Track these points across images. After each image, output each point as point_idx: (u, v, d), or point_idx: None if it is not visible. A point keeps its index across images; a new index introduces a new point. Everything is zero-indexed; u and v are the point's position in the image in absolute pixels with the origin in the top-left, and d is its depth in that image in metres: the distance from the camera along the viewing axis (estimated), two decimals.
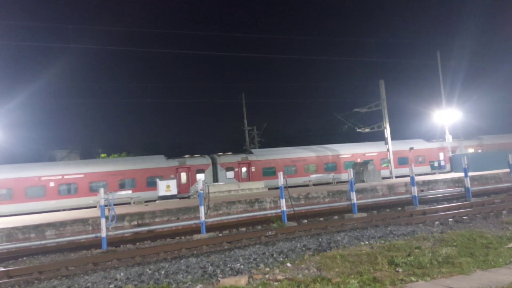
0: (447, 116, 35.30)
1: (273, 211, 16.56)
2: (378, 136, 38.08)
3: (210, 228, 14.52)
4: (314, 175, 33.80)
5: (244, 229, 15.43)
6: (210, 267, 8.66)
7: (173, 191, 26.32)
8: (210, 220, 14.75)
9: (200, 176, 32.44)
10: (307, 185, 31.57)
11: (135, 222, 16.24)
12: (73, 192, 29.28)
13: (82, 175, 29.68)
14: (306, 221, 16.08)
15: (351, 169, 16.24)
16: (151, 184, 30.19)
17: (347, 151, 38.50)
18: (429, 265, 7.21)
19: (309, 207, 17.57)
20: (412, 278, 6.50)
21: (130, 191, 28.39)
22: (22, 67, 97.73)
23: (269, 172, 35.25)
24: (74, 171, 29.80)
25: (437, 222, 12.70)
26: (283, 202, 14.72)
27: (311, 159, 36.84)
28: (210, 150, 38.25)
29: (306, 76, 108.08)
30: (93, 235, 13.10)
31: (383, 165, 37.90)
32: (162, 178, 28.63)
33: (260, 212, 17.27)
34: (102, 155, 53.69)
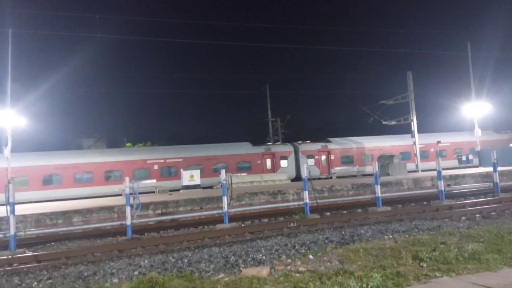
0: (476, 109, 34.29)
1: (296, 203, 16.51)
2: (407, 129, 37.23)
3: (232, 218, 14.60)
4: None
5: (266, 220, 15.46)
6: (232, 257, 8.72)
7: (197, 181, 26.53)
8: (233, 210, 14.84)
9: (284, 163, 34.29)
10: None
11: (159, 211, 16.48)
12: (173, 175, 31.39)
13: (181, 159, 31.79)
14: (329, 213, 15.99)
15: (376, 162, 16.03)
16: (241, 169, 32.78)
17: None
18: (455, 261, 7.06)
19: (332, 199, 17.46)
20: (437, 274, 6.37)
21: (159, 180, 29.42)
22: (51, 57, 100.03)
23: (348, 160, 36.45)
24: (175, 155, 32.14)
25: (463, 218, 12.43)
26: (306, 194, 14.67)
27: (386, 149, 37.10)
28: (233, 141, 38.21)
29: (332, 67, 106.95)
30: (119, 223, 13.39)
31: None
32: (248, 163, 33.20)
33: (283, 203, 17.26)
34: (128, 144, 54.59)
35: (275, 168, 34.46)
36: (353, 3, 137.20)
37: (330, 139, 38.05)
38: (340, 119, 66.16)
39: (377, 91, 61.58)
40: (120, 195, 13.16)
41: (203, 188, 27.35)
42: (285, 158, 35.02)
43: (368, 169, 34.54)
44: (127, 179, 13.19)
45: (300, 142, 37.36)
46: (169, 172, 31.68)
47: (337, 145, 36.88)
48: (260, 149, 34.83)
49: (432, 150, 38.25)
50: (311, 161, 35.55)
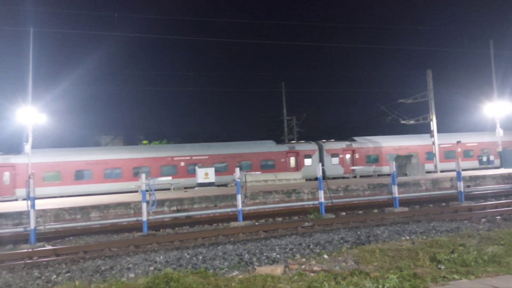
0: (498, 109, 33.56)
1: (311, 202, 16.41)
2: (426, 129, 36.73)
3: (246, 216, 14.60)
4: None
5: (280, 219, 15.42)
6: (247, 254, 8.72)
7: (211, 178, 26.64)
8: (247, 208, 14.84)
9: (308, 161, 34.38)
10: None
11: (174, 208, 16.59)
12: None
13: (207, 157, 32.35)
14: (344, 213, 15.86)
15: (394, 162, 15.83)
16: (265, 167, 33.03)
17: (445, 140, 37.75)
18: (474, 264, 6.92)
19: (347, 199, 17.31)
20: (455, 276, 6.25)
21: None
22: (70, 55, 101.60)
23: (372, 159, 36.30)
24: (201, 153, 32.73)
25: (483, 219, 12.19)
26: (321, 194, 14.58)
27: (412, 148, 36.66)
28: (248, 139, 38.29)
29: (349, 66, 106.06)
30: (135, 219, 13.51)
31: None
32: (273, 161, 33.48)
33: (297, 202, 17.18)
34: (144, 141, 55.10)
35: (299, 166, 34.49)
36: (372, 0, 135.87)
37: (355, 138, 37.81)
38: (357, 118, 65.56)
39: (396, 90, 61.08)
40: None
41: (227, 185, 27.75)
42: (309, 156, 34.99)
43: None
44: (143, 176, 13.30)
45: (324, 140, 37.24)
46: (195, 169, 32.03)
47: (362, 144, 36.64)
48: (284, 147, 34.99)
49: (459, 150, 37.64)
50: (335, 160, 35.58)
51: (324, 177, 33.01)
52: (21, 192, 26.73)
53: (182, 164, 31.81)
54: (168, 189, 25.97)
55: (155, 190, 14.33)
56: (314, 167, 33.69)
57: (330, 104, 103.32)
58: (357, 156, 36.05)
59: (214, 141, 43.07)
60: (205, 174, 26.44)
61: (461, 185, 15.90)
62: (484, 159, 35.23)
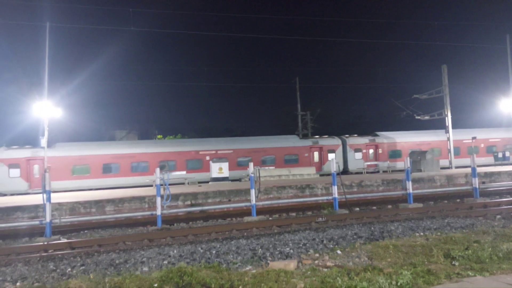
0: None
1: (324, 198, 16.39)
2: (440, 124, 36.26)
3: (260, 211, 14.63)
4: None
5: (294, 214, 15.42)
6: (260, 249, 8.75)
7: (225, 173, 26.72)
8: (261, 203, 14.87)
9: (332, 156, 34.28)
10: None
11: (188, 202, 16.71)
12: None
13: (231, 151, 32.63)
14: (358, 209, 15.80)
15: (408, 158, 15.70)
16: (288, 162, 33.11)
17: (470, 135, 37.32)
18: (489, 260, 6.84)
19: (361, 195, 17.25)
20: (469, 273, 6.19)
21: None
22: (84, 50, 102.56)
23: (395, 154, 36.26)
24: (225, 147, 32.97)
25: (498, 216, 12.03)
26: (335, 189, 14.53)
27: (435, 143, 36.53)
28: (261, 134, 38.30)
29: (364, 61, 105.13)
30: (149, 213, 13.61)
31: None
32: (296, 155, 33.52)
33: (311, 198, 17.16)
34: (159, 136, 55.47)
35: (322, 161, 34.57)
36: None
37: (378, 133, 37.73)
38: (371, 113, 65.00)
39: (410, 85, 60.14)
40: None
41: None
42: (332, 151, 35.01)
43: None
44: (157, 170, 13.40)
45: (347, 135, 37.18)
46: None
47: (385, 139, 36.60)
48: (307, 142, 35.07)
49: (482, 145, 37.26)
50: (358, 155, 35.54)
51: (347, 171, 33.09)
52: (52, 184, 27.61)
53: (208, 158, 31.99)
54: (183, 183, 26.15)
55: (169, 184, 14.43)
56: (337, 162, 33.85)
57: (345, 99, 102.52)
58: (380, 151, 36.03)
59: (227, 135, 43.11)
60: (219, 169, 26.55)
61: (476, 181, 15.71)
62: (499, 155, 34.68)
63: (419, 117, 35.92)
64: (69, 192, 22.90)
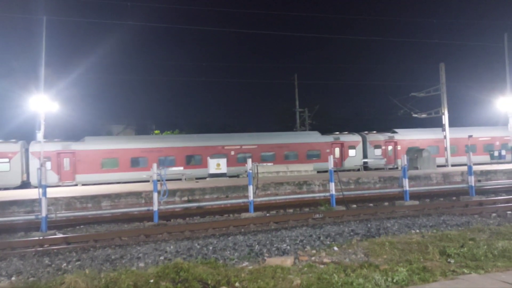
0: (511, 103, 32.99)
1: (322, 194, 16.41)
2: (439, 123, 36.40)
3: (258, 207, 14.64)
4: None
5: (291, 210, 15.44)
6: (257, 245, 8.77)
7: (223, 169, 26.67)
8: (258, 199, 14.88)
9: (352, 152, 34.77)
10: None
11: (185, 198, 16.70)
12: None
13: (256, 146, 32.92)
14: (355, 206, 15.84)
15: (405, 156, 15.73)
16: (310, 157, 33.45)
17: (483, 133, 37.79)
18: (484, 258, 6.88)
19: (358, 192, 17.29)
20: (465, 270, 6.22)
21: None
22: (81, 43, 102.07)
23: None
24: (250, 142, 33.33)
25: (494, 214, 12.10)
26: (332, 186, 14.56)
27: (451, 141, 36.00)
28: (259, 131, 38.29)
29: (362, 58, 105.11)
30: (146, 208, 13.59)
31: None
32: (317, 151, 33.76)
33: (308, 194, 17.18)
34: (156, 131, 55.35)
35: (343, 157, 34.82)
36: None
37: (396, 129, 37.91)
38: (369, 111, 65.00)
39: (408, 83, 60.35)
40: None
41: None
42: (353, 147, 35.26)
43: (438, 160, 33.14)
44: (154, 165, 13.34)
45: (367, 132, 37.47)
46: (244, 158, 32.08)
47: (404, 136, 36.76)
48: (329, 138, 35.27)
49: (497, 143, 37.23)
50: (378, 151, 35.77)
51: (367, 168, 33.30)
52: (81, 177, 28.45)
53: (232, 153, 32.29)
54: (180, 179, 26.10)
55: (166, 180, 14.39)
56: (358, 158, 34.49)
57: (342, 97, 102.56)
58: (399, 147, 36.13)
59: (226, 131, 43.01)
60: (217, 165, 26.49)
61: (472, 180, 15.76)
62: (496, 154, 34.79)
63: (416, 115, 36.01)
64: (97, 186, 23.49)
